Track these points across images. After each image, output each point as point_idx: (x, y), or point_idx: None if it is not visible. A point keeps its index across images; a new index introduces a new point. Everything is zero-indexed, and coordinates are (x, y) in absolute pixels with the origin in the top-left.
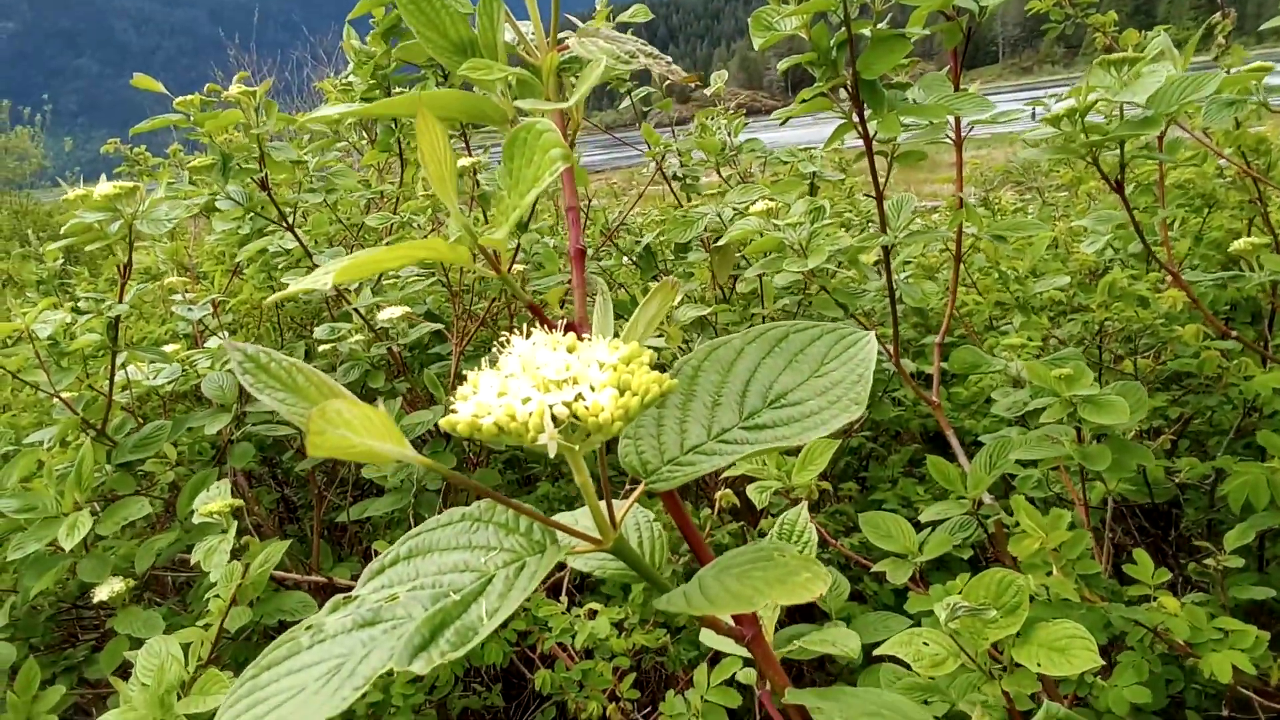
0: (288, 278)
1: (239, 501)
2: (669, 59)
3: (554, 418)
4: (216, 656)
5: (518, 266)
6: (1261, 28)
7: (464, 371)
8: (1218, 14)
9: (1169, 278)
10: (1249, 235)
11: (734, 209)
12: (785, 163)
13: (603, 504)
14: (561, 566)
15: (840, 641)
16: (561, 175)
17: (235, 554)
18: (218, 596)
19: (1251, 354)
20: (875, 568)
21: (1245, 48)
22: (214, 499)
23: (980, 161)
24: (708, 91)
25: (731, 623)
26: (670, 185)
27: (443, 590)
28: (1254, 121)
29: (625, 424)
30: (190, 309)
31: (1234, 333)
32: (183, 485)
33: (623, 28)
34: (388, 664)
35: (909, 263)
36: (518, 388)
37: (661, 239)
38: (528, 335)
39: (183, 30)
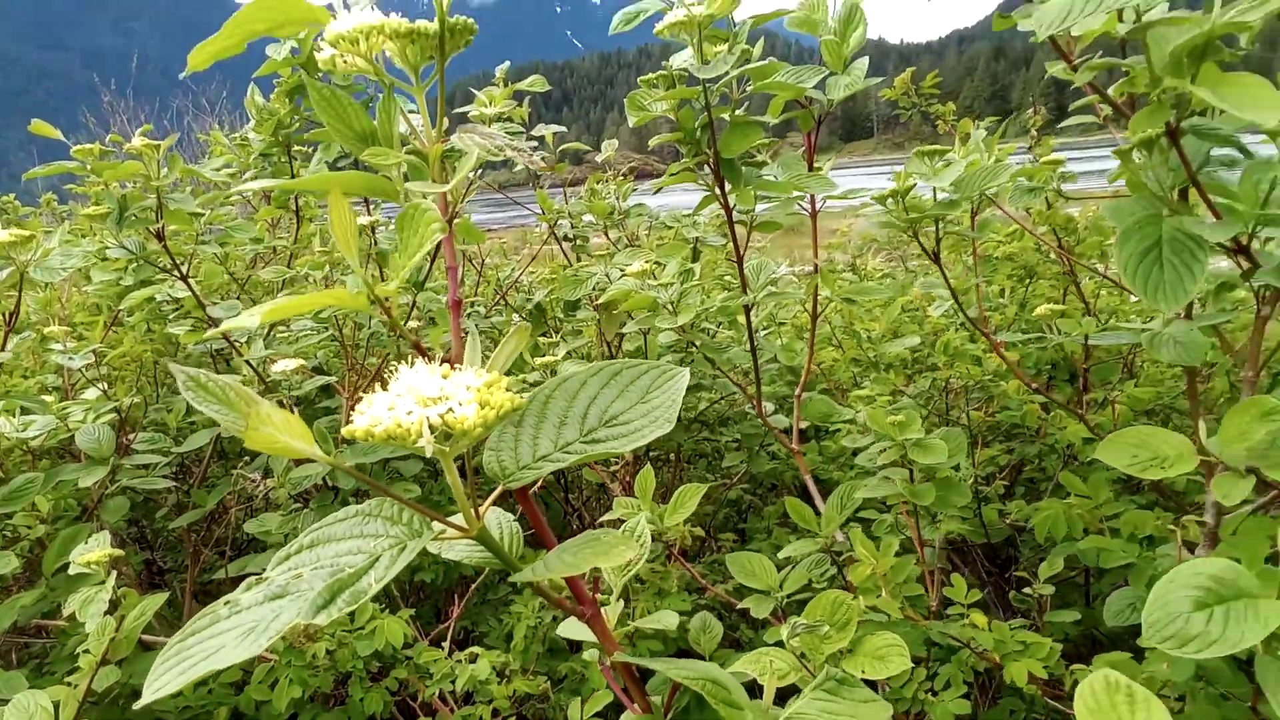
0: (177, 327)
1: (120, 552)
2: (529, 149)
3: (430, 426)
4: None
5: (412, 323)
6: (1060, 125)
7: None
8: (1030, 110)
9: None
10: (1064, 302)
11: (621, 270)
12: (670, 227)
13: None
14: (444, 617)
15: (664, 620)
16: (443, 242)
17: (111, 607)
18: (87, 652)
19: (1066, 408)
20: (741, 605)
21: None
22: (94, 549)
23: (849, 229)
24: (599, 158)
25: (578, 605)
26: (561, 246)
27: (339, 568)
28: (1065, 204)
29: (485, 431)
30: (71, 359)
31: (1034, 385)
32: (49, 542)
33: (520, 95)
34: (296, 619)
35: (783, 324)
36: (403, 404)
37: (552, 297)
38: (412, 366)
39: (53, 74)
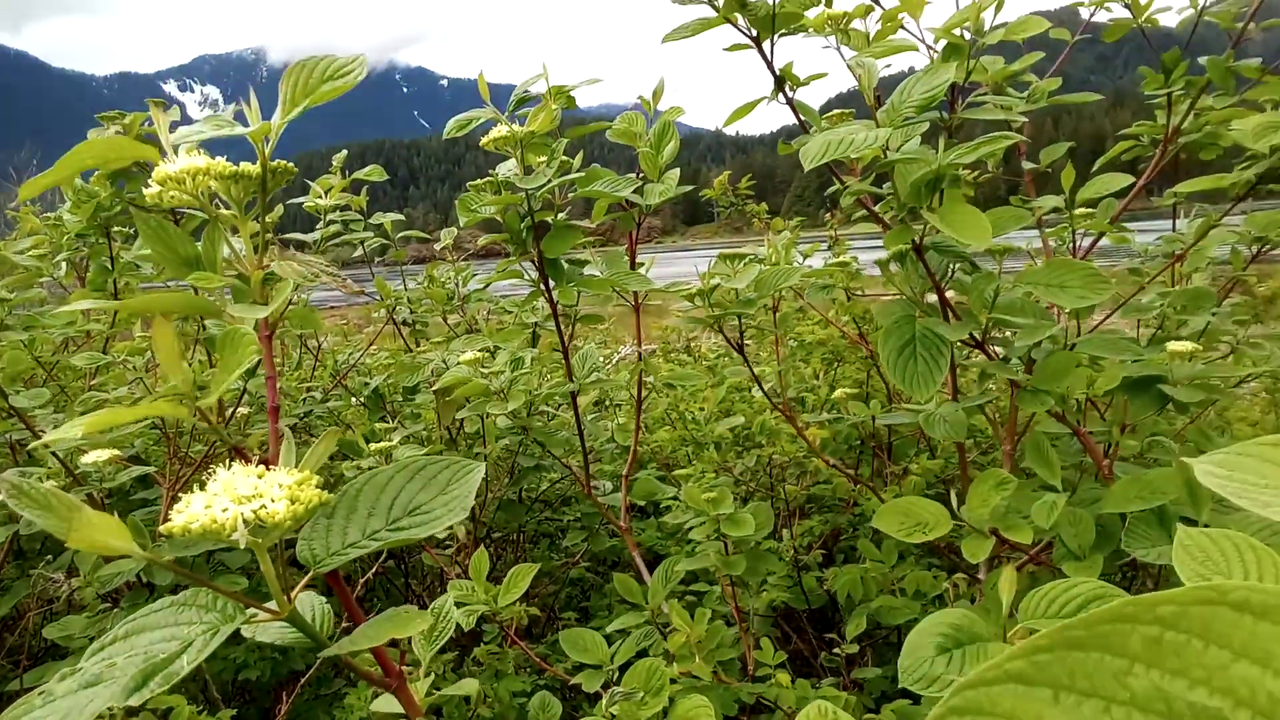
0: None
1: None
2: (344, 275)
3: (245, 520)
4: None
5: (242, 409)
6: (848, 231)
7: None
8: (828, 213)
9: (805, 417)
10: (868, 384)
11: (457, 356)
12: (510, 312)
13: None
14: (272, 718)
15: (464, 687)
16: (262, 356)
17: None
18: None
19: (864, 482)
20: (573, 680)
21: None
22: None
23: (683, 313)
24: (437, 248)
25: (382, 674)
26: (400, 330)
27: (153, 654)
28: (864, 293)
29: (295, 523)
30: None
31: (832, 462)
32: None
33: (357, 186)
34: (110, 703)
35: (619, 405)
36: (219, 502)
37: (389, 382)
38: (230, 468)
39: None
